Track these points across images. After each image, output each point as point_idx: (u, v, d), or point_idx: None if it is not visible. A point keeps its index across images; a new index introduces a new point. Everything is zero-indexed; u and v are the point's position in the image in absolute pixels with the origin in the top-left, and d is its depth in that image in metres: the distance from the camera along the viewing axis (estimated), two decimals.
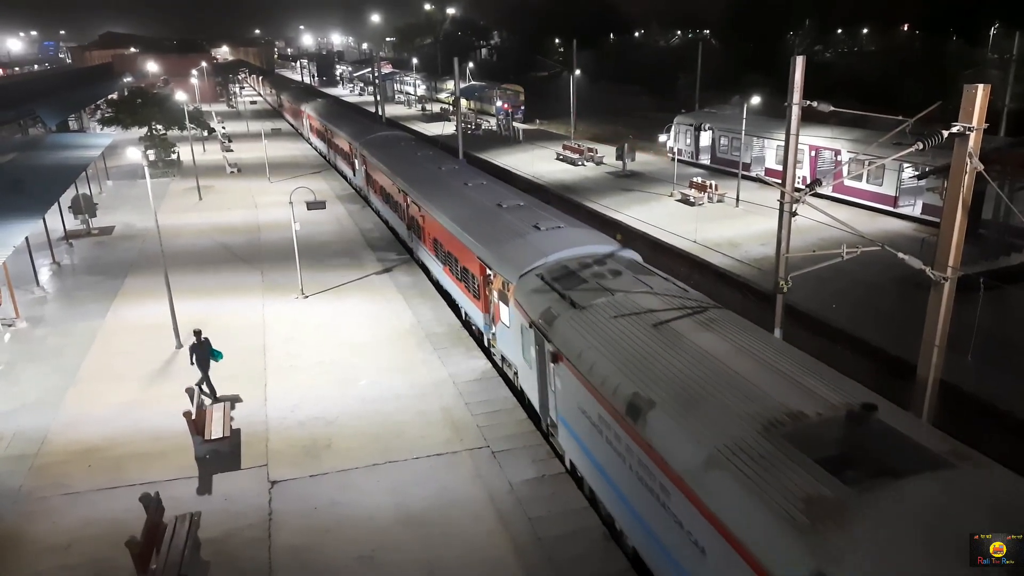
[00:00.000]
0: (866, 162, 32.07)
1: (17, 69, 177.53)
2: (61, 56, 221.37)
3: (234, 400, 17.74)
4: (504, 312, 17.63)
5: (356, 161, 40.15)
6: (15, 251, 20.37)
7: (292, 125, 72.50)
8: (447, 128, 65.68)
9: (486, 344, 20.14)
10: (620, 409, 10.98)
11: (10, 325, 22.58)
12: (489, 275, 18.69)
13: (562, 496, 13.93)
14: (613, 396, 11.25)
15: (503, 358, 18.80)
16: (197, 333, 17.88)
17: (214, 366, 17.89)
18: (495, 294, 18.43)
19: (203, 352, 17.77)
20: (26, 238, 22.41)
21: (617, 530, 12.47)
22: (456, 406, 17.44)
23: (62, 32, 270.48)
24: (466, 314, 21.87)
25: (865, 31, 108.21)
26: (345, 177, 45.36)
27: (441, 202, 24.03)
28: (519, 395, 17.68)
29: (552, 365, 14.00)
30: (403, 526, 13.18)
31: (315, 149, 57.37)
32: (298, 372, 19.35)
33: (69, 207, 33.34)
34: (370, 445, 15.79)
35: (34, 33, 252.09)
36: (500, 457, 15.28)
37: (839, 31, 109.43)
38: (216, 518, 13.42)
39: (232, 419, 16.50)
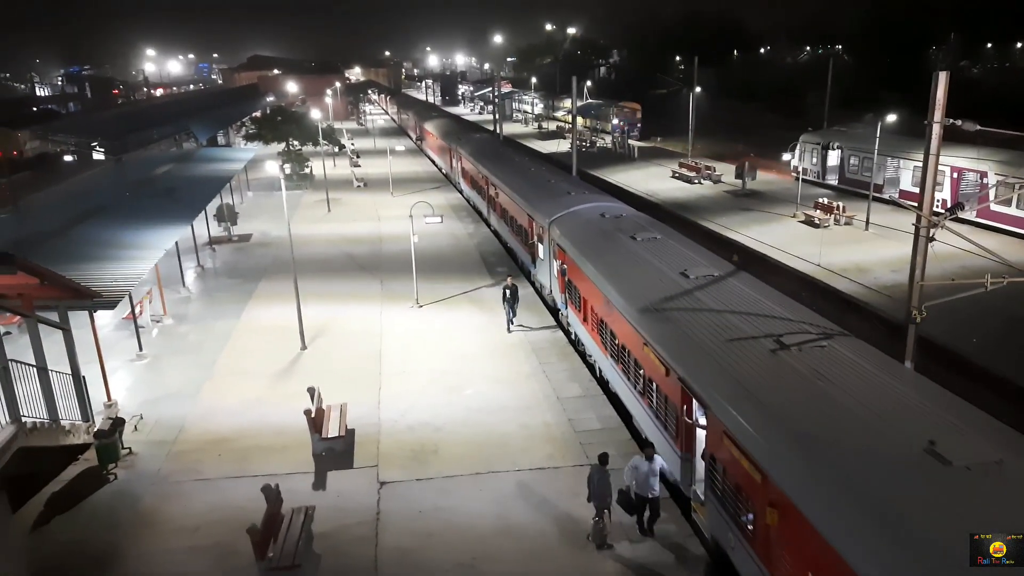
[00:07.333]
0: (1016, 185, 29.49)
1: (175, 89, 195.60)
2: (214, 77, 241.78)
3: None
4: None
5: (542, 248, 25.33)
6: (166, 254, 22.42)
7: (416, 145, 74.91)
8: (562, 146, 66.18)
9: None
10: None
11: (158, 321, 24.81)
12: None
13: (663, 522, 13.59)
14: None
15: None
16: None
17: (326, 368, 18.37)
18: None
19: None
20: (176, 242, 24.57)
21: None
22: (559, 421, 17.44)
23: (215, 55, 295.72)
24: None
25: (1019, 45, 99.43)
26: (514, 257, 31.18)
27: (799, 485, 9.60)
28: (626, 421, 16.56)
29: None
30: (503, 537, 13.31)
31: (461, 194, 46.29)
32: (410, 378, 20.01)
33: (214, 215, 36.27)
34: (474, 454, 16.08)
35: (191, 56, 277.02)
36: None
37: (988, 45, 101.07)
38: (328, 514, 14.07)
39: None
